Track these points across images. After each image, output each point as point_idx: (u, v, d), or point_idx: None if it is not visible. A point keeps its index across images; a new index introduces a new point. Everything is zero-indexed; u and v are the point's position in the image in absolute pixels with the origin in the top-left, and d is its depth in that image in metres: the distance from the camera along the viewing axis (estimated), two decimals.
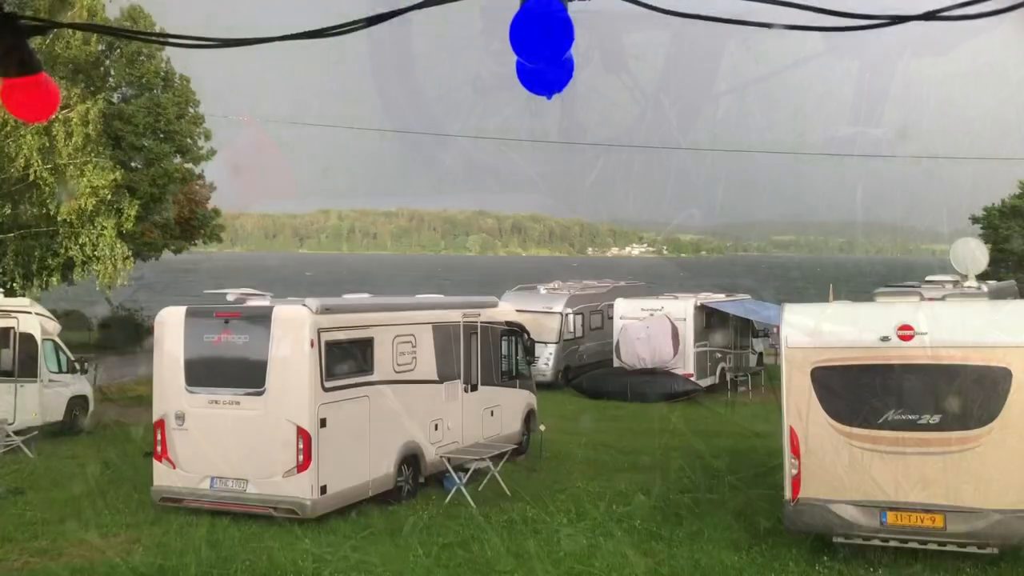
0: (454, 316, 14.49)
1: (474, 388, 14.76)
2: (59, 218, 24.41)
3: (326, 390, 11.54)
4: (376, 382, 12.42)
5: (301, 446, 11.26)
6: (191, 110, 32.12)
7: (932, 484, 9.44)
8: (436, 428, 13.70)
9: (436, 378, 13.76)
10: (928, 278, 18.80)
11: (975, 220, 40.36)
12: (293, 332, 11.49)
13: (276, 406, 11.43)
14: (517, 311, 17.57)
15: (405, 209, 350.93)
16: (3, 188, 23.34)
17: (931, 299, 10.97)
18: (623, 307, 25.03)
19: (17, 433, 16.30)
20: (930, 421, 9.52)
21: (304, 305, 11.64)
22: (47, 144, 23.11)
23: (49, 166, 23.27)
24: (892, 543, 9.71)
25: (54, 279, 26.45)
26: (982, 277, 19.15)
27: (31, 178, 23.16)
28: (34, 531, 11.22)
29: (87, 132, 23.42)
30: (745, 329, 27.43)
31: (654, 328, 23.76)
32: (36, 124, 21.82)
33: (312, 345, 11.38)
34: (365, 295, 15.29)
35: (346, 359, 12.00)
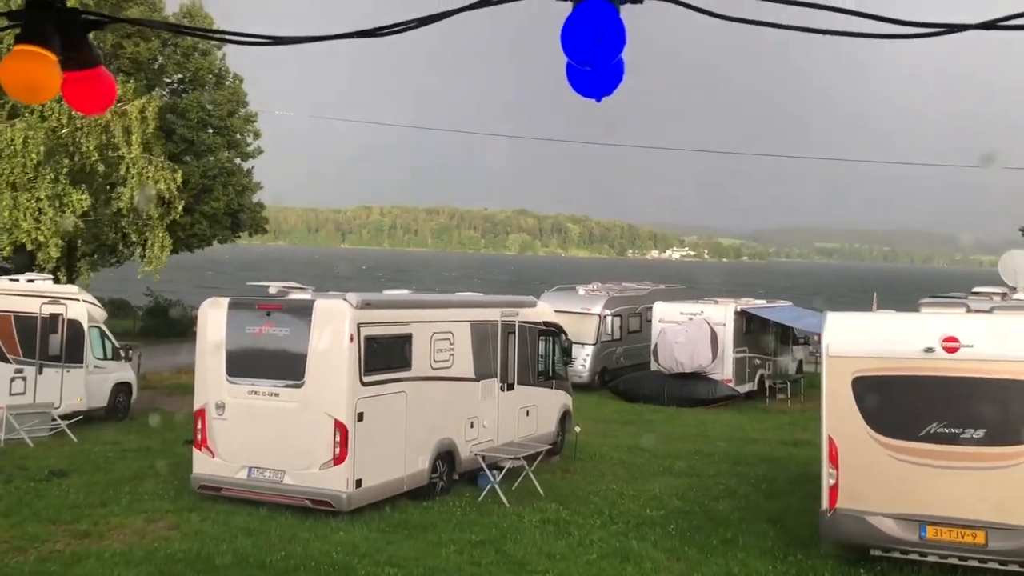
0: (492, 315, 14.51)
1: (510, 387, 14.77)
2: (110, 210, 24.90)
3: (364, 384, 11.61)
4: (414, 378, 12.47)
5: (338, 439, 11.35)
6: (242, 109, 32.63)
7: (974, 499, 9.27)
8: (472, 426, 13.72)
9: (473, 376, 13.79)
10: (975, 289, 18.41)
11: None
12: (333, 326, 11.58)
13: (315, 399, 11.53)
14: (555, 311, 17.54)
15: (446, 207, 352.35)
16: (75, 179, 23.85)
17: (978, 311, 10.78)
18: (662, 310, 24.90)
19: (62, 417, 16.65)
20: (973, 435, 9.36)
21: (344, 300, 11.73)
22: (105, 140, 23.58)
23: (120, 160, 23.72)
24: (931, 558, 9.55)
25: (84, 269, 26.95)
26: None
27: (88, 169, 23.63)
28: (76, 514, 11.47)
29: (146, 130, 23.85)
30: (785, 336, 27.13)
31: (693, 332, 23.61)
32: (94, 118, 22.29)
33: (352, 339, 11.45)
34: (405, 291, 15.37)
35: (384, 354, 12.06)
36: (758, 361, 25.47)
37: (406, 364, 12.39)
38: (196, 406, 12.34)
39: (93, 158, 23.31)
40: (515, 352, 14.91)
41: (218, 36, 4.06)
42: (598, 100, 2.96)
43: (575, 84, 2.88)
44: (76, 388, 17.62)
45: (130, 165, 23.64)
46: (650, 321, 25.61)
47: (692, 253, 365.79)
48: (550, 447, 15.38)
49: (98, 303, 19.82)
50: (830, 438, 9.85)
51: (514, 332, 14.94)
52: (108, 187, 25.00)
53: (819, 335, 10.80)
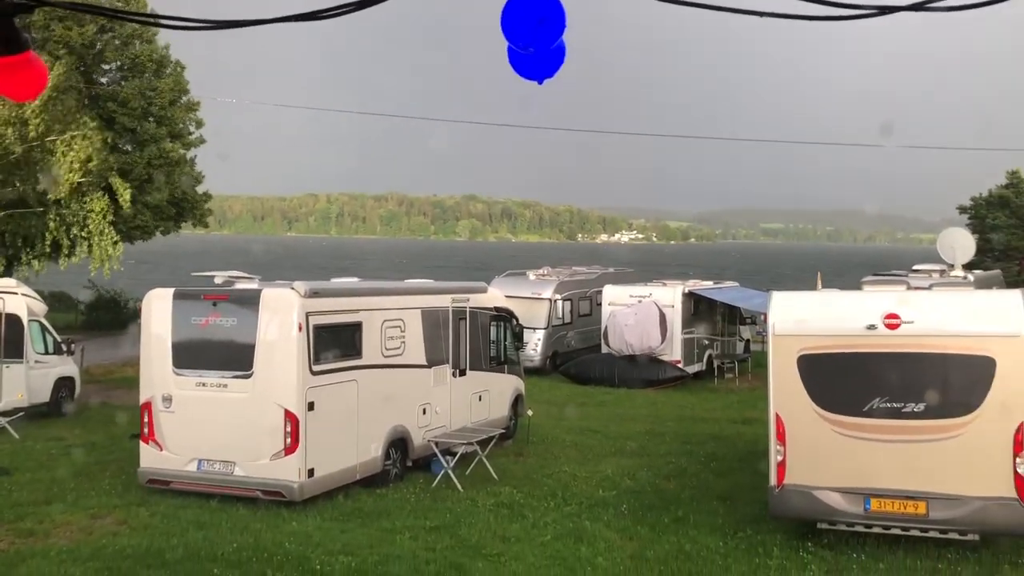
0: (443, 301, 14.51)
1: (462, 373, 14.81)
2: (50, 197, 24.23)
3: (314, 373, 11.54)
4: (365, 366, 12.43)
5: (289, 429, 11.27)
6: (184, 97, 31.93)
7: (915, 471, 9.53)
8: (424, 412, 13.73)
9: (424, 363, 13.79)
10: (915, 267, 18.90)
11: (962, 210, 40.52)
12: (281, 315, 11.48)
13: (264, 389, 11.44)
14: (506, 297, 17.59)
15: (395, 193, 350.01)
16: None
17: (917, 288, 11.05)
18: (611, 293, 25.09)
19: (3, 414, 16.24)
20: (914, 409, 9.60)
21: (292, 288, 11.63)
22: (15, 115, 22.56)
23: (33, 142, 22.94)
24: (875, 529, 9.80)
25: (36, 263, 26.24)
26: (968, 267, 19.27)
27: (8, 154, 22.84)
28: (20, 512, 11.20)
29: (62, 99, 22.94)
30: (733, 316, 27.53)
31: (642, 315, 23.84)
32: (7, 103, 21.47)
33: (300, 329, 11.37)
34: (354, 279, 15.27)
35: (334, 343, 12.00)
36: (706, 342, 25.81)
37: (357, 352, 12.34)
38: (142, 399, 12.14)
39: (8, 141, 22.46)
40: (467, 338, 14.93)
41: (155, 20, 3.95)
42: (540, 83, 2.96)
43: (517, 67, 2.87)
44: (17, 384, 17.20)
45: (50, 144, 22.81)
46: (600, 304, 25.79)
47: (641, 236, 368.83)
48: (503, 431, 15.46)
49: (37, 297, 19.32)
50: (777, 415, 10.03)
51: (465, 318, 14.96)
52: (35, 175, 24.20)
53: (765, 315, 10.97)
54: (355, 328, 12.37)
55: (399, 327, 13.20)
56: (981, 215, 39.34)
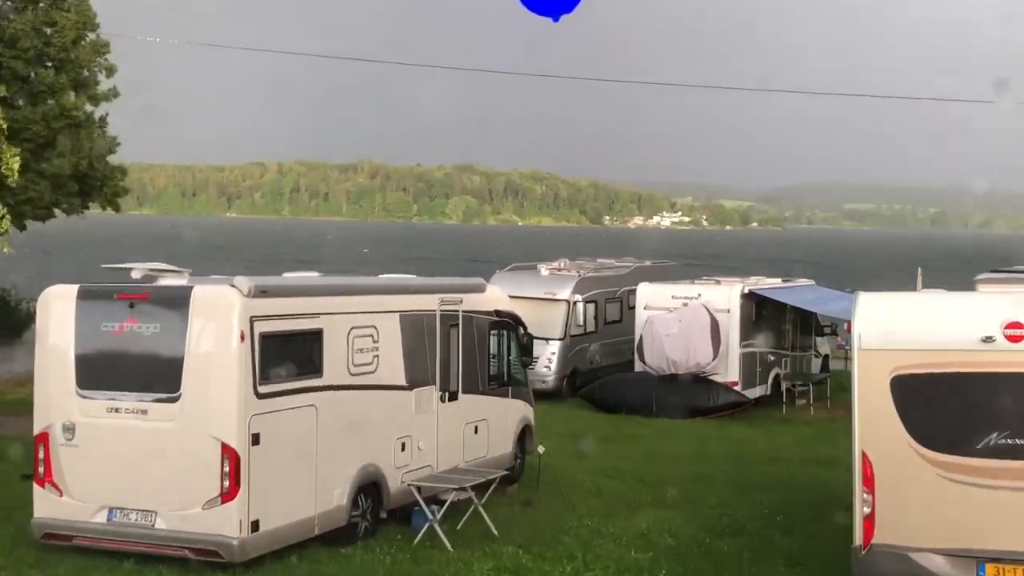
0: (429, 303, 14.54)
1: (453, 397, 14.83)
2: None
3: (260, 397, 11.56)
4: (326, 387, 12.45)
5: (227, 469, 11.28)
6: (90, 35, 31.85)
7: None
8: (403, 448, 13.75)
9: (404, 383, 13.83)
10: None
11: None
12: (218, 320, 11.50)
13: (195, 416, 11.45)
14: (511, 297, 17.62)
15: (367, 162, 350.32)
16: None
17: None
18: (648, 294, 25.08)
19: None
20: None
21: (233, 286, 11.63)
22: None
23: None
24: None
25: None
26: None
27: None
28: None
29: None
30: (807, 325, 27.49)
31: (688, 322, 23.83)
32: None
33: (243, 338, 11.39)
34: (313, 274, 15.28)
35: (287, 357, 12.03)
36: (772, 358, 25.80)
37: (316, 369, 12.36)
38: (37, 429, 12.14)
39: None
40: (459, 351, 14.96)
41: None
42: (555, 19, 2.94)
43: (528, 0, 2.85)
44: None
45: None
46: (633, 308, 25.78)
47: (687, 219, 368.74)
48: (506, 472, 15.45)
49: None
50: (864, 454, 10.02)
51: (457, 325, 14.98)
52: None
53: (848, 323, 10.97)
54: (314, 337, 12.38)
55: (371, 336, 13.21)
56: None
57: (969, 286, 11.13)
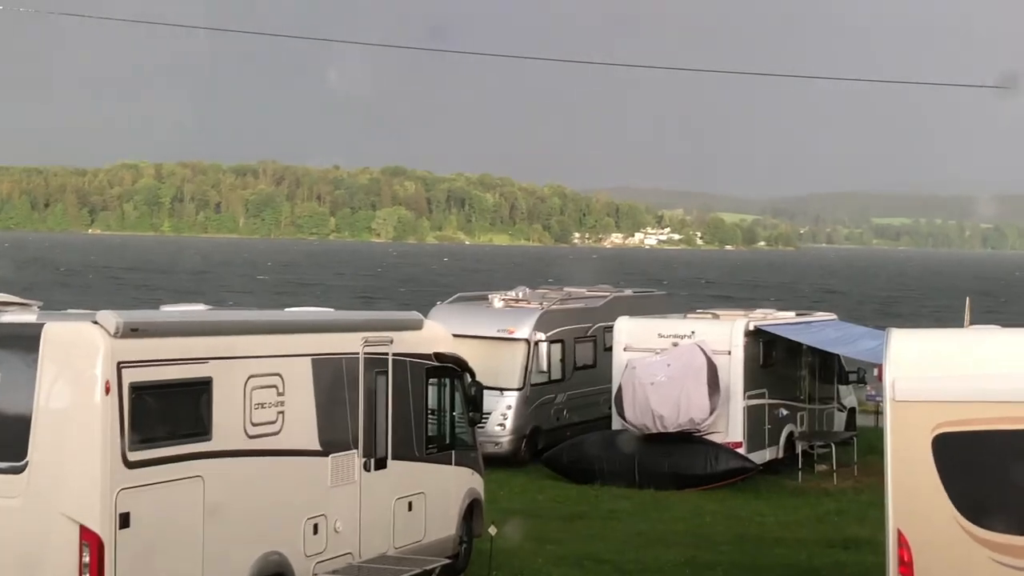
0: (350, 344, 14.51)
1: (380, 464, 14.79)
2: None
3: (131, 466, 11.45)
4: (216, 453, 12.37)
5: (86, 560, 11.11)
6: None
7: None
8: (316, 531, 13.69)
9: (318, 447, 13.77)
10: None
11: None
12: (76, 367, 11.39)
13: (46, 492, 11.29)
14: (455, 337, 17.57)
15: (270, 164, 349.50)
16: None
17: None
18: (629, 332, 25.14)
19: None
20: None
21: (95, 323, 11.54)
22: None
23: None
24: None
25: None
26: None
27: None
28: None
29: None
30: (828, 371, 27.67)
31: (679, 367, 23.89)
32: None
33: (108, 390, 11.28)
34: (200, 307, 15.18)
35: (166, 414, 11.97)
36: (784, 412, 25.92)
37: (203, 430, 12.29)
38: None
39: None
40: (388, 406, 14.94)
41: None
42: None
43: None
44: None
45: None
46: (610, 349, 25.83)
47: (677, 237, 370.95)
48: (448, 561, 15.38)
49: None
50: (900, 534, 10.07)
51: (387, 372, 14.98)
52: None
53: (879, 367, 11.04)
54: (201, 389, 12.31)
55: (275, 388, 13.16)
56: None
57: None
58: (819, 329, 27.14)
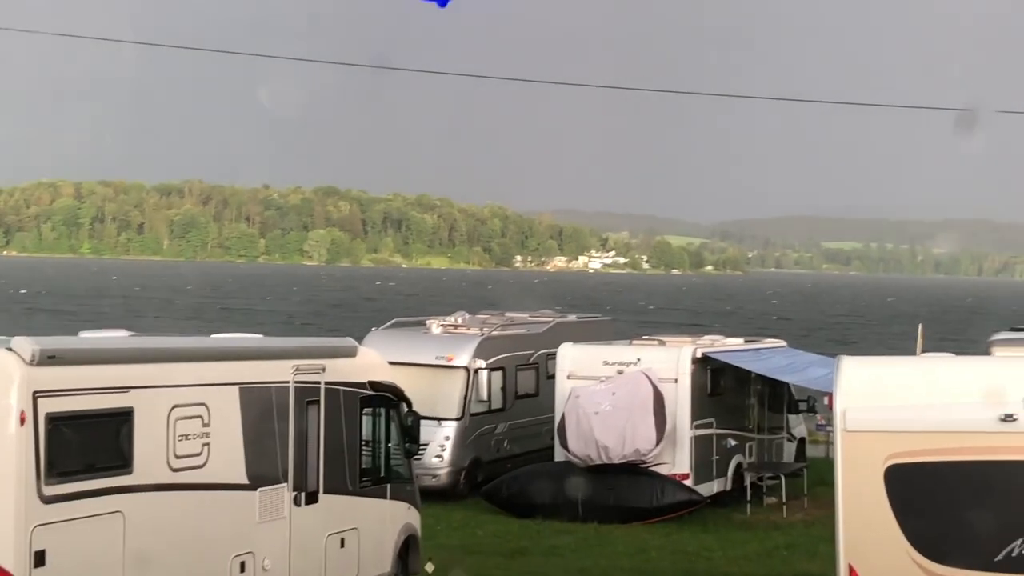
0: (280, 372, 14.45)
1: (312, 499, 14.73)
2: None
3: (47, 501, 11.33)
4: (138, 487, 12.27)
5: None
6: None
7: None
8: (243, 569, 13.61)
9: (245, 480, 13.70)
10: None
11: None
12: None
13: None
14: (390, 364, 17.53)
15: (196, 183, 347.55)
16: None
17: None
18: (573, 359, 25.14)
19: None
20: None
21: (9, 349, 11.42)
22: None
23: None
24: None
25: None
26: None
27: None
28: None
29: None
30: (777, 399, 27.80)
31: (624, 395, 23.92)
32: None
33: (23, 421, 11.17)
34: (121, 333, 15.06)
35: (85, 446, 11.87)
36: (733, 442, 26.00)
37: (124, 463, 12.19)
38: None
39: None
40: (320, 437, 14.87)
41: None
42: (442, 5, 2.95)
43: None
44: None
45: None
46: (553, 377, 25.82)
47: (623, 260, 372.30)
48: None
49: None
50: (851, 568, 10.12)
51: (318, 402, 14.92)
52: None
53: (830, 396, 11.10)
54: (122, 420, 12.21)
55: (200, 418, 13.08)
56: None
57: (983, 349, 11.36)
58: (768, 356, 27.24)
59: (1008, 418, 9.94)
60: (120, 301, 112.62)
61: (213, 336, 15.98)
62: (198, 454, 13.02)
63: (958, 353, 11.47)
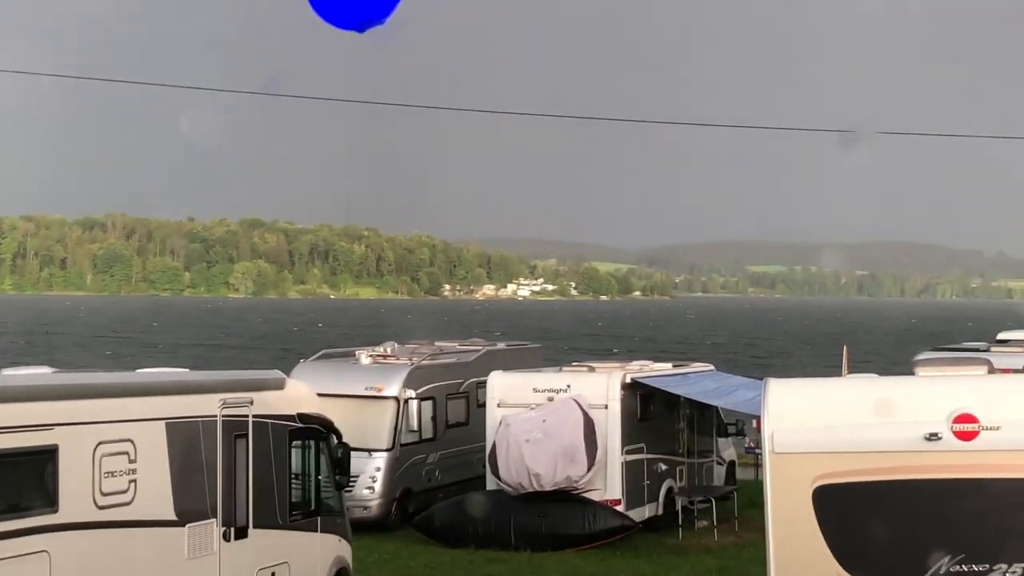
0: (207, 406, 14.36)
1: (241, 534, 14.64)
2: None
3: None
4: (64, 526, 12.13)
5: None
6: None
7: None
8: None
9: (173, 516, 13.60)
10: (1002, 335, 19.71)
11: None
12: None
13: None
14: (319, 396, 17.45)
15: (119, 216, 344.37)
16: None
17: (1006, 370, 11.45)
18: (503, 387, 25.11)
19: None
20: (1008, 572, 9.86)
21: None
22: None
23: None
24: None
25: None
26: None
27: None
28: None
29: None
30: (706, 423, 27.92)
31: (555, 422, 23.92)
32: None
33: None
34: (44, 369, 14.89)
35: (8, 486, 11.75)
36: (664, 467, 26.08)
37: (49, 501, 12.06)
38: None
39: None
40: (249, 471, 14.79)
41: None
42: (360, 30, 2.95)
43: (320, 5, 2.86)
44: None
45: None
46: (483, 406, 25.79)
47: (551, 288, 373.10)
48: None
49: None
50: None
51: (247, 435, 14.84)
52: None
53: (758, 419, 11.16)
54: (47, 457, 12.09)
55: (127, 454, 12.97)
56: None
57: (907, 370, 11.46)
58: (696, 380, 27.37)
59: (933, 437, 10.04)
60: (44, 338, 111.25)
61: (138, 371, 15.84)
62: (125, 491, 12.90)
63: (883, 373, 11.58)
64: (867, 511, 10.11)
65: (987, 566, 9.87)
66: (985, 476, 9.94)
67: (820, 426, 10.34)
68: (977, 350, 17.81)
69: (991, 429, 10.01)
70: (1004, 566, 9.85)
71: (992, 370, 11.10)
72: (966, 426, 10.03)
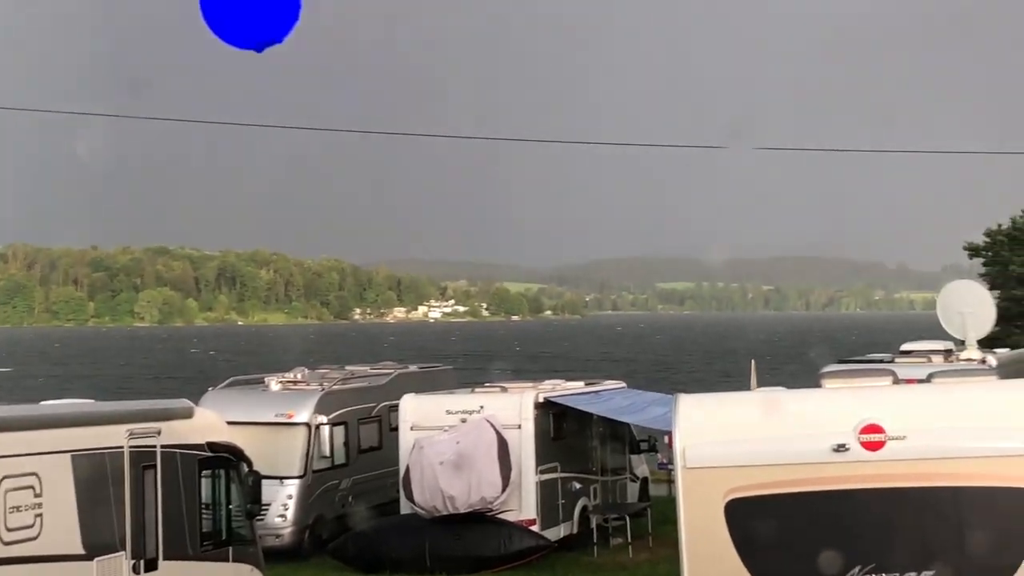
0: (113, 437, 14.20)
1: (151, 566, 14.49)
2: None
3: None
4: None
5: None
6: None
7: None
8: None
9: (81, 550, 13.43)
10: (905, 347, 19.98)
11: (973, 251, 43.18)
12: None
13: None
14: (229, 424, 17.30)
15: (20, 246, 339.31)
16: None
17: (910, 380, 11.60)
18: (415, 409, 25.03)
19: None
20: None
21: None
22: None
23: None
24: None
25: None
26: (987, 342, 20.56)
27: None
28: None
29: None
30: (619, 440, 28.01)
31: (468, 444, 23.88)
32: None
33: None
34: None
35: None
36: (578, 485, 26.13)
37: None
38: None
39: None
40: (158, 501, 14.65)
41: None
42: (259, 50, 2.93)
43: (218, 27, 2.83)
44: None
45: None
46: (396, 429, 25.70)
47: (462, 309, 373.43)
48: None
49: None
50: None
51: (155, 466, 14.69)
52: None
53: (669, 434, 11.22)
54: None
55: (32, 488, 12.81)
56: (1002, 259, 41.69)
57: (814, 382, 11.58)
58: (608, 398, 27.44)
59: (841, 448, 10.13)
60: None
61: (42, 403, 15.60)
62: (31, 526, 12.74)
63: (790, 386, 11.69)
64: (779, 523, 10.19)
65: (897, 572, 9.96)
66: (892, 485, 10.05)
67: (730, 440, 10.41)
68: (882, 361, 18.02)
69: (897, 439, 10.13)
70: (913, 574, 9.96)
71: (897, 381, 11.25)
72: (873, 436, 10.15)
